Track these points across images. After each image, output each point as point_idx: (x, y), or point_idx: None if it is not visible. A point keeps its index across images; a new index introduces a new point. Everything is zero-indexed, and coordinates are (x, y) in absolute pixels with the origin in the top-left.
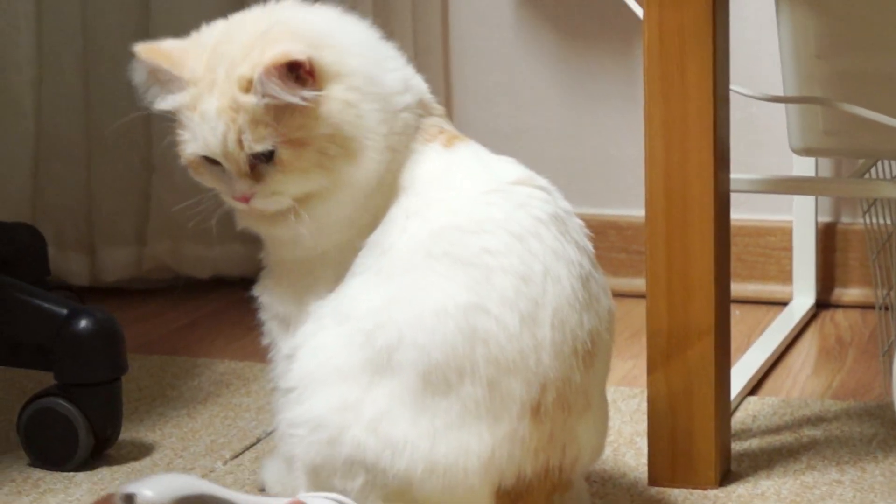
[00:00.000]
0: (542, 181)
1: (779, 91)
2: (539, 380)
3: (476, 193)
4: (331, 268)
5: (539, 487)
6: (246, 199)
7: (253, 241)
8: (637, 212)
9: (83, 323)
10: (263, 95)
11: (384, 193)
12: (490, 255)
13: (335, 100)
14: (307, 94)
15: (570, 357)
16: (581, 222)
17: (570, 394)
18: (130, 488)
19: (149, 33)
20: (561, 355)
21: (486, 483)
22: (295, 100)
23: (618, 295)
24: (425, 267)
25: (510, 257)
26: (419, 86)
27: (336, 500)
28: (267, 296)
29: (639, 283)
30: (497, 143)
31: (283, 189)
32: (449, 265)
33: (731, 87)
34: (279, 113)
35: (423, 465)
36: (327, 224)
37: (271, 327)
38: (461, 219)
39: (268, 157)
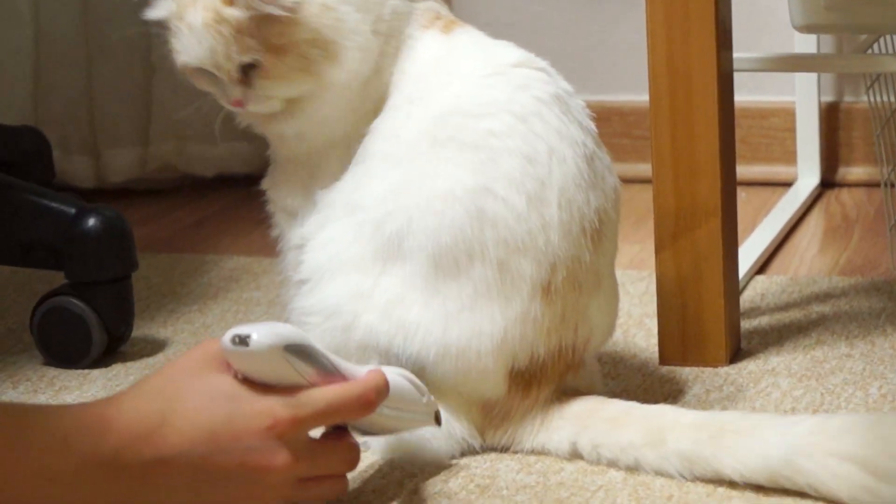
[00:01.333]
0: (542, 63)
1: None
2: (549, 259)
3: (477, 77)
4: (335, 158)
5: (552, 368)
6: (240, 104)
7: (257, 139)
8: (639, 97)
9: (92, 221)
10: (246, 8)
11: (383, 80)
12: (494, 138)
13: (313, 4)
14: (286, 2)
15: (579, 236)
16: (582, 103)
17: (580, 273)
18: (243, 330)
19: None
20: (569, 234)
21: (500, 364)
22: (275, 10)
23: (622, 180)
24: (431, 152)
25: (514, 138)
26: None
27: (404, 376)
28: (274, 189)
29: (643, 168)
30: (496, 33)
31: (272, 93)
32: (454, 149)
33: None
34: (261, 23)
35: (435, 348)
36: (325, 119)
37: (279, 220)
38: (464, 102)
39: (254, 65)
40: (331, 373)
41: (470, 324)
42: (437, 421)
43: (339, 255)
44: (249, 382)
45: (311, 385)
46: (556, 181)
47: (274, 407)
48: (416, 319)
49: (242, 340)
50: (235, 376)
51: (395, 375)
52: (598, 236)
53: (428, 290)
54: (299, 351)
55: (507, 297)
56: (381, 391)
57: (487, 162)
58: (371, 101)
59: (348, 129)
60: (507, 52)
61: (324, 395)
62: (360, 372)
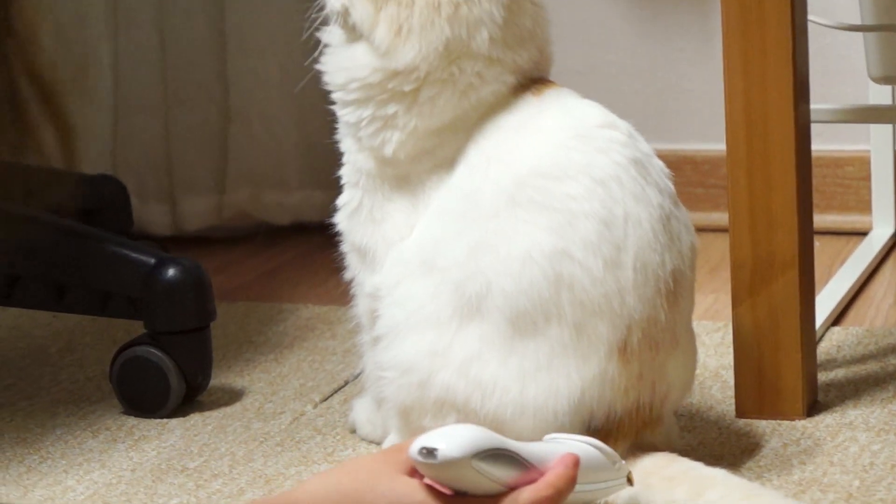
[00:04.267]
0: (624, 124)
1: (855, 20)
2: (624, 321)
3: (558, 139)
4: (408, 196)
5: (629, 424)
6: None
7: (332, 187)
8: (712, 146)
9: (171, 271)
10: None
11: (468, 132)
12: (573, 201)
13: None
14: None
15: (654, 297)
16: (661, 163)
17: (656, 332)
18: (430, 441)
19: None
20: (644, 296)
21: (576, 423)
22: None
23: (696, 229)
24: (509, 213)
25: (592, 202)
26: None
27: (593, 445)
28: (346, 222)
29: (716, 217)
30: (570, 81)
31: None
32: (533, 211)
33: (809, 17)
34: None
35: (512, 407)
36: (417, 133)
37: (351, 260)
38: (544, 164)
39: None
40: (524, 469)
41: (547, 383)
42: (630, 482)
43: (417, 314)
44: (438, 491)
45: (505, 488)
46: (632, 245)
47: None
48: (492, 377)
49: (430, 453)
50: (422, 481)
51: (586, 446)
52: (673, 296)
53: (505, 348)
54: (489, 456)
55: (583, 356)
56: (572, 479)
57: (565, 225)
58: (451, 149)
59: (423, 167)
60: (590, 113)
61: (515, 501)
62: (553, 455)
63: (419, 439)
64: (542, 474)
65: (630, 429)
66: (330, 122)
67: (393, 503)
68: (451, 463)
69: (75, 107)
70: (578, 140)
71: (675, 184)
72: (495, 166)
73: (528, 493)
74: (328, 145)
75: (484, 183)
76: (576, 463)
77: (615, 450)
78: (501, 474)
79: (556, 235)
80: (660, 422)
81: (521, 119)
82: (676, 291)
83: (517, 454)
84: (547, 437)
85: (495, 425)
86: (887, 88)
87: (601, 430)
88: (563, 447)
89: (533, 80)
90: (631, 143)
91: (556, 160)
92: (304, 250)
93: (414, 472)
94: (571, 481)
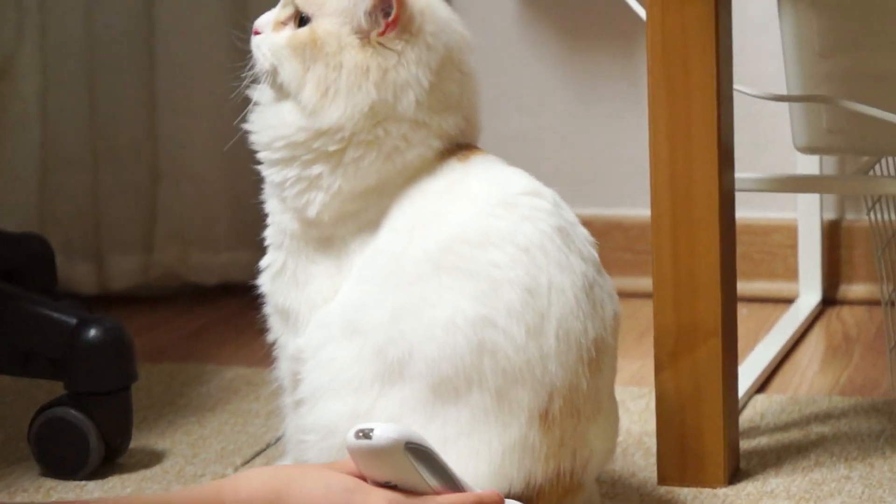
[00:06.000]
0: (549, 192)
1: (782, 90)
2: (546, 388)
3: (483, 206)
4: (332, 258)
5: (550, 491)
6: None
7: (259, 247)
8: (641, 212)
9: (92, 332)
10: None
11: (393, 196)
12: (497, 269)
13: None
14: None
15: (576, 365)
16: (586, 231)
17: (578, 400)
18: (366, 424)
19: (153, 41)
20: (566, 364)
21: (496, 488)
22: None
23: (624, 295)
24: (434, 279)
25: (516, 270)
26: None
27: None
28: (269, 284)
29: (644, 283)
30: (501, 146)
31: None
32: (457, 278)
33: (735, 86)
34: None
35: None
36: (342, 195)
37: (274, 322)
38: (469, 231)
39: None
40: (450, 482)
41: (467, 449)
42: None
43: (339, 377)
44: (367, 482)
45: (430, 490)
46: (555, 313)
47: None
48: None
49: (366, 434)
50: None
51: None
52: (596, 364)
53: (426, 413)
54: (420, 452)
55: (504, 423)
56: None
57: (489, 292)
58: (375, 212)
59: (347, 229)
60: (515, 181)
61: (439, 502)
62: (475, 489)
63: (355, 425)
64: (465, 495)
65: (551, 496)
66: (259, 182)
67: (322, 493)
68: (386, 447)
69: (1, 161)
70: (503, 208)
71: (604, 249)
72: (420, 231)
73: (451, 499)
74: (257, 205)
75: (408, 247)
76: (501, 500)
77: None
78: (429, 476)
79: (479, 303)
80: (581, 489)
81: (446, 184)
82: (599, 359)
83: (446, 465)
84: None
85: None
86: (815, 157)
87: (522, 497)
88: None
89: (459, 146)
90: (556, 211)
91: (480, 227)
92: (230, 311)
93: (346, 471)
94: None
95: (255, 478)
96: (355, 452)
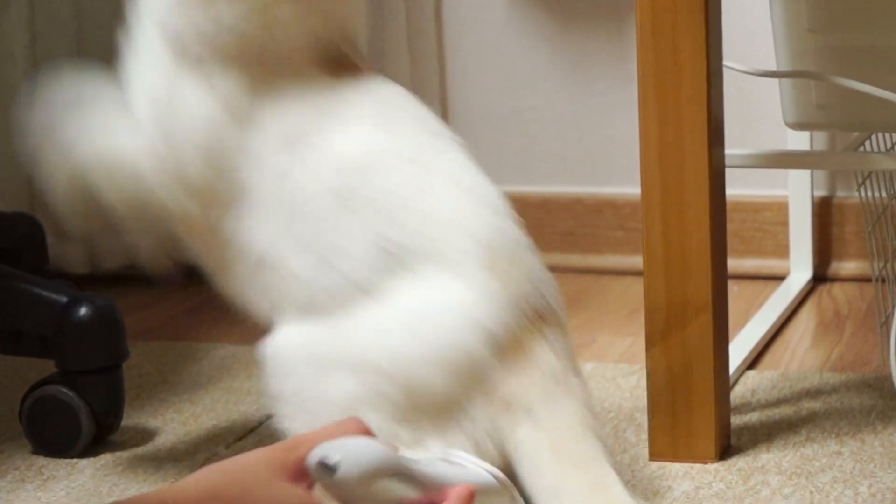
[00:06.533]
0: None
1: (772, 66)
2: None
3: None
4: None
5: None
6: None
7: None
8: (633, 190)
9: (83, 310)
10: None
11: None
12: None
13: None
14: None
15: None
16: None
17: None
18: (329, 457)
19: None
20: None
21: None
22: None
23: (615, 272)
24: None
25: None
26: None
27: (487, 469)
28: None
29: (636, 261)
30: (492, 125)
31: None
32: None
33: (724, 63)
34: None
35: None
36: None
37: None
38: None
39: None
40: (419, 490)
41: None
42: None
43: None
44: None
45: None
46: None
47: None
48: None
49: (328, 469)
50: (308, 487)
51: (481, 472)
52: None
53: None
54: (389, 472)
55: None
56: None
57: None
58: None
59: None
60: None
61: None
62: (449, 480)
63: (317, 450)
64: (434, 497)
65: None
66: None
67: None
68: (349, 481)
69: None
70: None
71: (596, 227)
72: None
73: None
74: None
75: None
76: (471, 497)
77: None
78: (396, 492)
79: None
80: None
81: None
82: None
83: (414, 475)
84: (445, 455)
85: None
86: (806, 134)
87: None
88: (460, 472)
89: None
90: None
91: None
92: None
93: (297, 477)
94: None
95: (191, 488)
96: (320, 483)
